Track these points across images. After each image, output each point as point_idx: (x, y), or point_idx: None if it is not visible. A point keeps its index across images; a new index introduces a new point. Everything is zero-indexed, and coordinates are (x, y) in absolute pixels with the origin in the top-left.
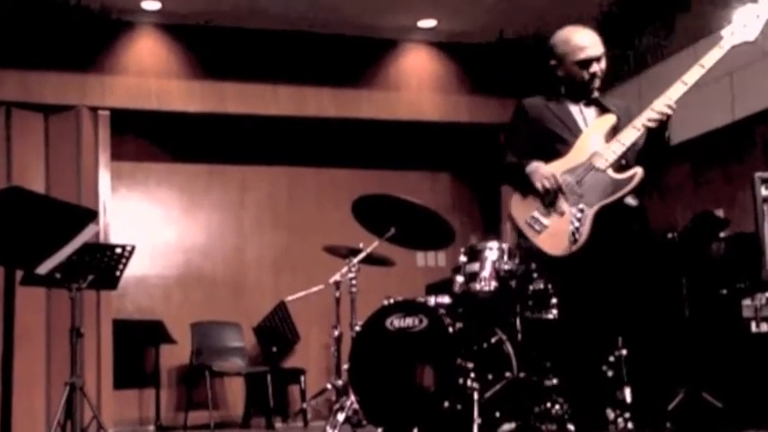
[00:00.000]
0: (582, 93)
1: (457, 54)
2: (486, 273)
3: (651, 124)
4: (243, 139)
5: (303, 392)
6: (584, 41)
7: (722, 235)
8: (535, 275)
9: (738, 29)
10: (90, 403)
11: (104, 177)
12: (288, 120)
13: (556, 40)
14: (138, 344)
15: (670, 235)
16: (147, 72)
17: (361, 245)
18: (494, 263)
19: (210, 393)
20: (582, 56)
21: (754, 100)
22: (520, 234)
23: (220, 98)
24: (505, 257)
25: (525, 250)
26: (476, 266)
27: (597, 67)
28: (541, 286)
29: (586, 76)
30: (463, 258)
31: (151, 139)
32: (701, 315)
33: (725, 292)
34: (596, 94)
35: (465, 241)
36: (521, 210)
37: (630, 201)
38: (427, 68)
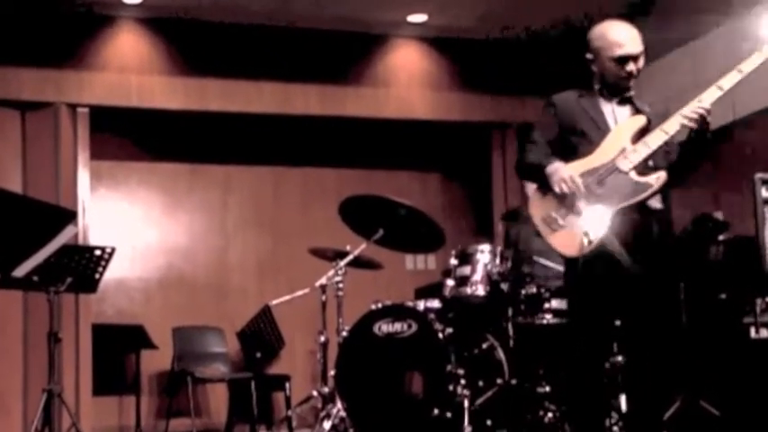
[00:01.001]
0: (616, 90)
1: (448, 50)
2: (478, 276)
3: (691, 124)
4: (226, 137)
5: (288, 400)
6: (621, 37)
7: (721, 238)
8: (528, 279)
9: None
10: (69, 410)
11: (83, 177)
12: (273, 118)
13: (593, 33)
14: (117, 349)
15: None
16: (128, 68)
17: (348, 247)
18: (485, 266)
19: (192, 400)
20: (618, 52)
21: (755, 98)
22: (536, 233)
23: (203, 95)
24: (497, 261)
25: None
26: (467, 270)
27: (634, 66)
28: (534, 290)
29: (622, 74)
30: (454, 261)
31: (132, 137)
32: (699, 320)
33: (724, 296)
34: (632, 92)
35: (455, 244)
36: (538, 207)
37: (654, 203)
38: (417, 65)
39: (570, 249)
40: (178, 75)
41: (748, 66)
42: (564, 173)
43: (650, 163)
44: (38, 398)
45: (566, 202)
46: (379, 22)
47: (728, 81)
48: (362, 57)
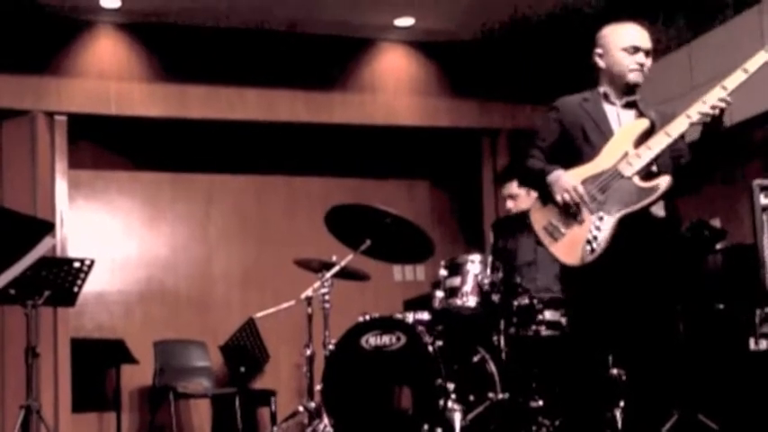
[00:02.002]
0: (623, 89)
1: (436, 54)
2: (468, 287)
3: (705, 118)
4: (208, 145)
5: (273, 415)
6: (632, 30)
7: (719, 246)
8: (520, 290)
9: None
10: (47, 427)
11: (61, 187)
12: (257, 125)
13: (604, 30)
14: (97, 364)
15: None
16: (107, 74)
17: (334, 258)
18: (476, 277)
19: (175, 417)
20: (630, 41)
21: (752, 103)
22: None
23: (184, 102)
24: (488, 271)
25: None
26: (457, 281)
27: (644, 59)
28: (526, 301)
29: (633, 64)
30: (443, 272)
31: (111, 145)
32: (696, 332)
33: (722, 307)
34: (637, 96)
35: (445, 254)
36: (540, 215)
37: (657, 211)
38: (405, 70)
39: (572, 258)
40: (158, 81)
41: (753, 65)
42: (566, 182)
43: (654, 168)
44: (15, 414)
45: (568, 210)
46: (365, 26)
47: (733, 81)
48: (349, 62)
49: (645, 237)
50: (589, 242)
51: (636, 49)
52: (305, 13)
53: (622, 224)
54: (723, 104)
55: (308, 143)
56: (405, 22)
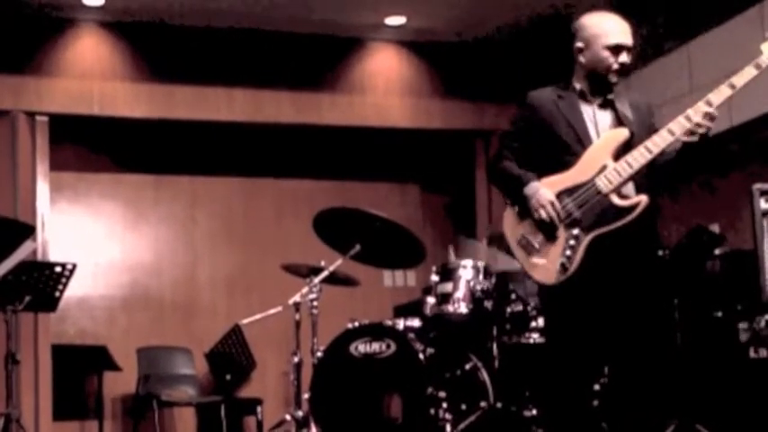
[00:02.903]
0: (602, 86)
1: (428, 54)
2: (460, 293)
3: (691, 136)
4: (194, 147)
5: (260, 424)
6: (617, 27)
7: (718, 252)
8: (513, 296)
9: None
10: None
11: (42, 189)
12: (243, 126)
13: (585, 21)
14: (79, 371)
15: (660, 252)
16: (90, 74)
17: (323, 263)
18: (468, 283)
19: (158, 425)
20: (615, 40)
21: (754, 105)
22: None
23: (169, 102)
24: (481, 277)
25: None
26: (448, 286)
27: (627, 58)
28: (520, 308)
29: (614, 65)
30: (435, 278)
31: (93, 147)
32: (694, 339)
33: (720, 314)
34: (613, 94)
35: (436, 259)
36: (513, 229)
37: (634, 228)
38: (395, 70)
39: (546, 277)
40: (143, 81)
41: (740, 80)
42: (543, 197)
43: (630, 185)
44: None
45: (542, 225)
46: (355, 25)
47: (718, 97)
48: (338, 61)
49: (622, 254)
50: (563, 263)
51: (620, 48)
52: (293, 11)
53: (598, 242)
54: (708, 122)
55: (297, 145)
56: (396, 20)
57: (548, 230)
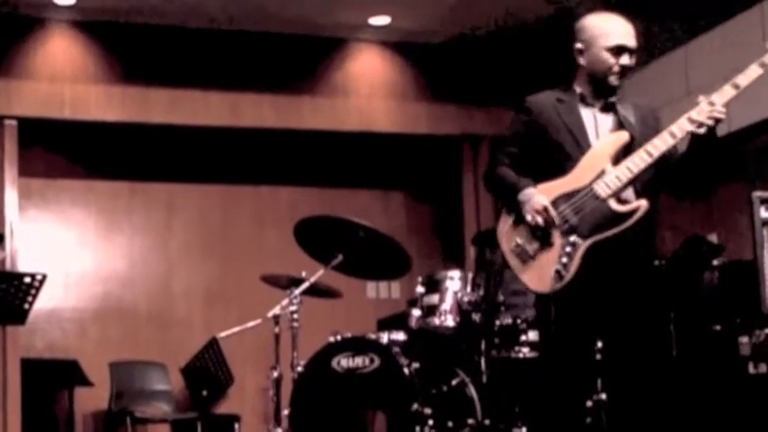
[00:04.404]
0: (603, 90)
1: (414, 55)
2: (447, 306)
3: (701, 130)
4: (170, 152)
5: None
6: (619, 28)
7: (716, 263)
8: (503, 308)
9: None
10: None
11: (11, 196)
12: (221, 131)
13: (586, 21)
14: (49, 386)
15: (657, 263)
16: (61, 76)
17: (304, 274)
18: (455, 294)
19: None
20: (616, 41)
21: (754, 109)
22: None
23: (144, 106)
24: (468, 288)
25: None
26: (435, 298)
27: (628, 60)
28: (509, 321)
29: (615, 67)
30: (420, 289)
31: (64, 152)
32: (691, 354)
33: (719, 328)
34: (616, 97)
35: (422, 270)
36: (508, 237)
37: (632, 235)
38: (380, 72)
39: (541, 286)
40: (116, 83)
41: (744, 80)
42: (537, 202)
43: (630, 190)
44: None
45: (537, 232)
46: (337, 25)
47: (721, 97)
48: (320, 63)
49: (620, 262)
50: (558, 270)
51: (622, 50)
52: (273, 12)
53: (595, 249)
54: (711, 122)
55: (276, 150)
56: (380, 20)
57: (542, 237)
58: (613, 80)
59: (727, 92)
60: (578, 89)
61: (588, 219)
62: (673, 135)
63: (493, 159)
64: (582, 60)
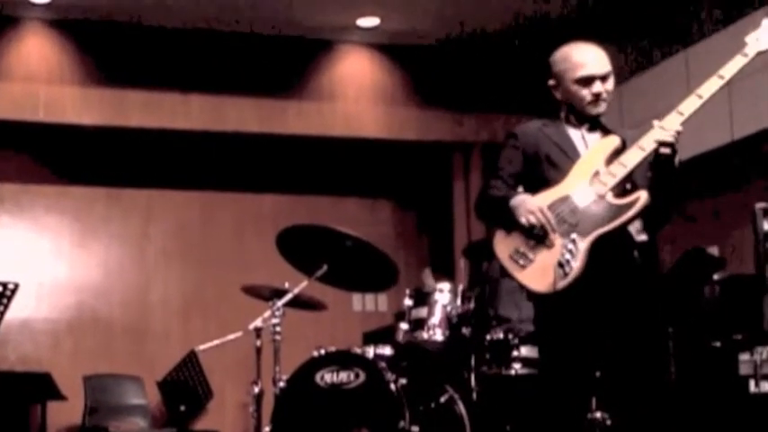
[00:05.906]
0: (584, 119)
1: (403, 59)
2: (436, 319)
3: (661, 142)
4: (148, 157)
5: None
6: (585, 57)
7: (716, 277)
8: (494, 323)
9: (765, 34)
10: None
11: None
12: (201, 135)
13: (555, 56)
14: (20, 400)
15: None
16: (35, 77)
17: (287, 285)
18: (444, 308)
19: None
20: (582, 73)
21: (756, 117)
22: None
23: (122, 109)
24: (458, 301)
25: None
26: (423, 312)
27: (602, 87)
28: (500, 336)
29: (588, 96)
30: (408, 302)
31: (38, 156)
32: (690, 371)
33: (719, 344)
34: (602, 119)
35: (410, 282)
36: (504, 245)
37: (636, 234)
38: (368, 75)
39: (541, 285)
40: (92, 85)
41: (730, 70)
42: (531, 204)
43: (628, 186)
44: None
45: (535, 235)
46: (324, 26)
47: (708, 89)
48: (305, 66)
49: (624, 261)
50: (561, 265)
51: (591, 80)
52: (257, 12)
53: (599, 247)
54: (680, 128)
55: (259, 156)
56: (369, 22)
57: (540, 238)
58: (590, 109)
59: (713, 83)
60: (563, 115)
61: (588, 216)
62: (663, 128)
63: (483, 186)
64: (557, 95)
